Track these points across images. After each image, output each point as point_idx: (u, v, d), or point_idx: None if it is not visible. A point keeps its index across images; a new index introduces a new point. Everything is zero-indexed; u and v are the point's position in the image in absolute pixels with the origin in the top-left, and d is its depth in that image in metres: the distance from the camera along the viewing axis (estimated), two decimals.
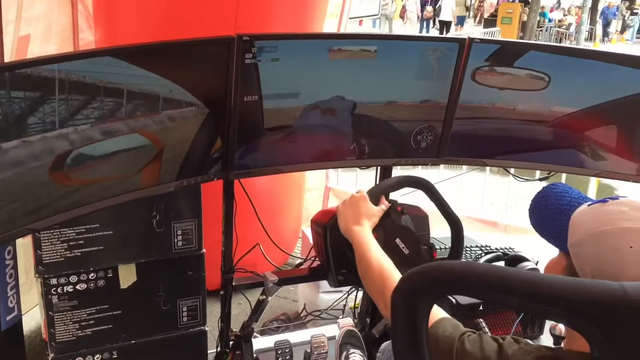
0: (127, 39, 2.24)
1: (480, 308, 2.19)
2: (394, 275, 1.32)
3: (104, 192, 1.52)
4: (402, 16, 16.65)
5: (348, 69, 1.79)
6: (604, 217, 1.00)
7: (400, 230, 1.73)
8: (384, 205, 1.68)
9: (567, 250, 1.04)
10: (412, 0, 16.40)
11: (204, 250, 2.10)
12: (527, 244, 2.67)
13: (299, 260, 2.14)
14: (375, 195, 1.66)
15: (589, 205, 1.05)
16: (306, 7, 2.68)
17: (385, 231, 1.67)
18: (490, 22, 18.63)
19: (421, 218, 1.81)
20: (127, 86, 1.47)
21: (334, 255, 1.70)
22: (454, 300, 2.17)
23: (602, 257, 0.97)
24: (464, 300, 2.18)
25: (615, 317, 0.77)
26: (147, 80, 1.49)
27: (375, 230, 1.64)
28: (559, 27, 19.03)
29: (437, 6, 17.24)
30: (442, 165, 4.62)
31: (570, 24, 19.28)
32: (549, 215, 1.09)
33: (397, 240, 1.70)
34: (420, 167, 4.66)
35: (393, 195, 1.92)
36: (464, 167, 4.83)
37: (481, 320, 2.16)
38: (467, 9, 18.05)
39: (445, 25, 16.97)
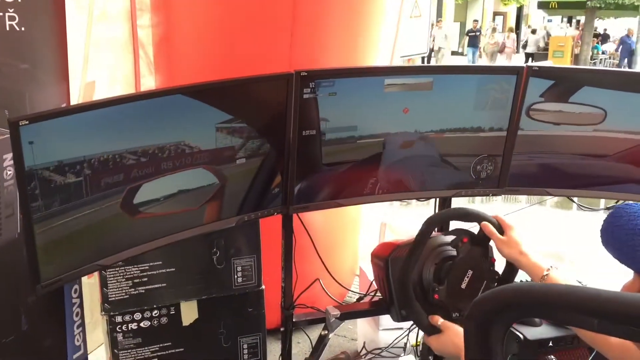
0: (186, 82, 2.33)
1: (550, 344, 2.10)
2: None
3: (169, 228, 1.56)
4: (501, 51, 18.85)
5: (404, 101, 1.79)
6: None
7: (455, 280, 1.63)
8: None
9: None
10: (512, 39, 19.59)
11: (263, 287, 2.10)
12: (595, 276, 2.56)
13: (357, 297, 2.12)
14: (429, 329, 1.58)
15: None
16: (358, 42, 2.72)
17: (454, 299, 1.62)
18: (541, 56, 18.49)
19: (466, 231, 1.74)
20: (192, 122, 1.53)
21: (397, 289, 1.67)
22: (521, 336, 2.09)
23: None
24: (532, 335, 2.09)
25: None
26: (212, 116, 1.54)
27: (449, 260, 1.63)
28: (613, 58, 18.67)
29: (525, 41, 20.79)
30: (500, 200, 4.55)
31: None
32: (622, 236, 1.05)
33: (462, 285, 1.64)
34: (478, 200, 4.62)
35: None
36: (523, 201, 4.74)
37: (552, 357, 2.07)
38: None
39: (530, 56, 19.14)
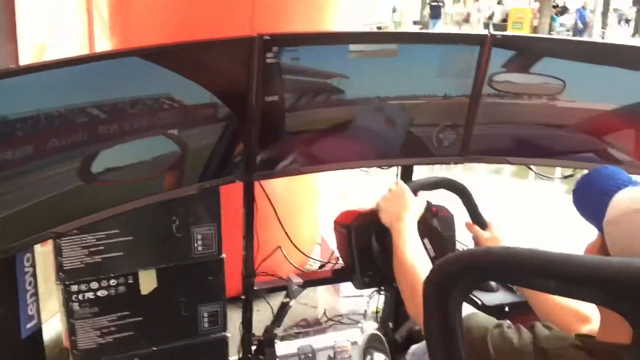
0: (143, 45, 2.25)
1: (506, 309, 2.16)
2: (424, 276, 1.29)
3: (127, 195, 1.52)
4: (466, 20, 19.78)
5: (368, 67, 1.77)
6: None
7: (429, 231, 1.69)
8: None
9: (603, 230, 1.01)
10: (476, 9, 20.62)
11: (224, 255, 2.07)
12: (552, 241, 2.63)
13: (318, 265, 2.12)
14: (414, 189, 1.63)
15: (633, 186, 1.01)
16: (321, 5, 2.67)
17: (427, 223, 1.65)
18: (500, 27, 18.68)
19: (448, 219, 1.79)
20: (151, 88, 1.47)
21: (360, 257, 1.67)
22: (479, 302, 2.13)
23: (633, 235, 0.93)
24: (489, 301, 2.14)
25: None
26: (171, 81, 1.49)
27: None
28: (569, 30, 19.00)
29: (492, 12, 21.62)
30: (461, 169, 4.60)
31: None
32: (593, 195, 1.06)
33: (425, 241, 1.67)
34: (439, 168, 4.67)
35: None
36: (481, 170, 4.81)
37: (508, 321, 2.11)
38: None
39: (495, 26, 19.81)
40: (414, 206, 1.57)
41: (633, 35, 18.01)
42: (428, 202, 1.73)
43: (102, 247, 1.88)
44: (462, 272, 0.85)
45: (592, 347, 0.93)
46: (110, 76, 1.40)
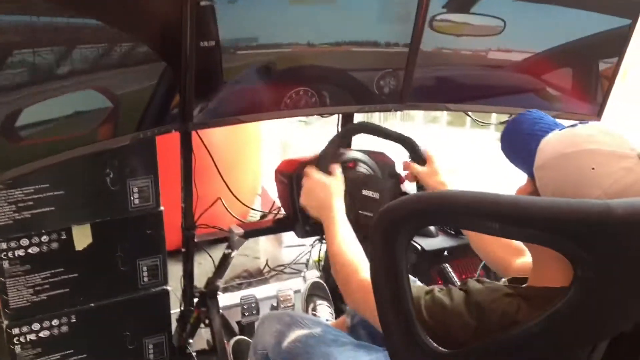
0: None
1: (445, 254, 2.22)
2: (357, 266, 1.27)
3: (55, 148, 1.43)
4: None
5: (308, 12, 1.72)
6: (570, 140, 0.98)
7: (361, 181, 1.68)
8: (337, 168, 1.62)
9: (533, 176, 1.02)
10: None
11: (162, 208, 2.02)
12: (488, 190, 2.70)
13: (259, 216, 2.11)
14: (325, 166, 1.58)
15: (559, 129, 1.02)
16: None
17: (348, 189, 1.62)
18: None
19: (389, 165, 1.79)
20: (76, 38, 1.37)
21: (301, 206, 1.66)
22: (419, 247, 2.18)
23: (564, 179, 0.95)
24: (429, 246, 2.19)
25: (601, 234, 0.76)
26: (95, 30, 1.39)
27: None
28: None
29: None
30: (398, 118, 4.64)
31: None
32: (520, 140, 1.06)
33: (364, 192, 1.67)
34: (378, 118, 4.69)
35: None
36: (418, 119, 4.87)
37: (446, 265, 2.18)
38: None
39: None
40: (335, 186, 1.53)
41: None
42: (341, 163, 1.68)
43: (31, 203, 1.79)
44: (407, 217, 0.85)
45: (525, 292, 0.95)
46: (28, 25, 1.28)
